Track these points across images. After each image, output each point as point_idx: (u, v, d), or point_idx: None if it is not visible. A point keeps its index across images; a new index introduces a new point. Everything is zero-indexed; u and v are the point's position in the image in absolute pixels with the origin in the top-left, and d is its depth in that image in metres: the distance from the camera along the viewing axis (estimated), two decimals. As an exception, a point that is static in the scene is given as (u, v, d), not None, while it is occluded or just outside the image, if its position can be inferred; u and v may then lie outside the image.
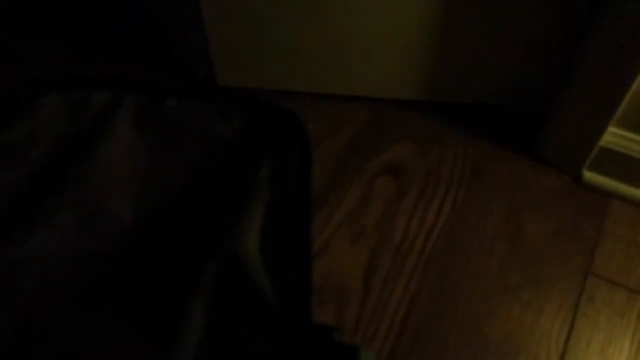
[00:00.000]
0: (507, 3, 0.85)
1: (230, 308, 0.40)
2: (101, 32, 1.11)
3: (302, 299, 0.44)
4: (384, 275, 0.82)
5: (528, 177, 0.93)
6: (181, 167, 0.39)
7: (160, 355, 0.37)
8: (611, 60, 0.76)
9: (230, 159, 0.41)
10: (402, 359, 0.74)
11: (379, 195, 0.90)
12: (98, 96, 0.37)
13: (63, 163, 0.37)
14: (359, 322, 0.77)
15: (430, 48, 0.93)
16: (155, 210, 0.38)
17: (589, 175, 0.91)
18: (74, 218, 0.36)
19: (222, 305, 0.39)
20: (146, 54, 1.04)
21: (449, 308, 0.79)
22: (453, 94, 1.02)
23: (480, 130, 1.00)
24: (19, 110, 0.37)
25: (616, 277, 0.83)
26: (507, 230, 0.87)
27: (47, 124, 0.36)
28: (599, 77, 0.78)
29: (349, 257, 0.83)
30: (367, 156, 0.95)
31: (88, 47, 1.04)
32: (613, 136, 0.85)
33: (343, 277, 0.81)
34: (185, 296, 0.38)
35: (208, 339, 0.38)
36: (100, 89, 0.38)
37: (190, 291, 0.38)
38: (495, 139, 0.99)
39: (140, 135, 0.37)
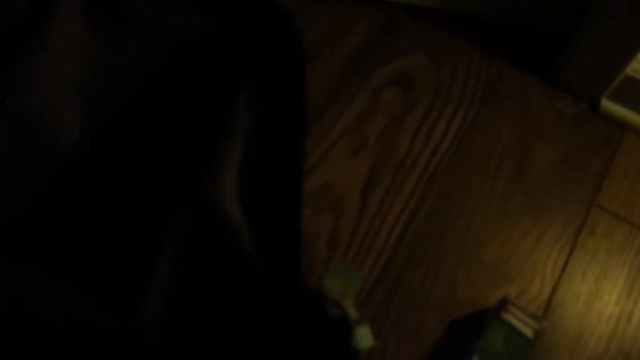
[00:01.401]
0: None
1: (203, 266, 0.33)
2: None
3: (290, 261, 0.36)
4: (384, 191, 0.78)
5: (542, 101, 0.89)
6: (140, 75, 0.29)
7: (121, 322, 0.30)
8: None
9: (203, 70, 0.30)
10: (395, 275, 0.72)
11: (384, 108, 0.85)
12: None
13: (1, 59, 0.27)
14: (354, 235, 0.74)
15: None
16: (108, 130, 0.29)
17: (607, 104, 0.86)
18: (6, 140, 0.28)
19: (192, 263, 0.32)
20: None
21: (448, 228, 0.77)
22: (472, 5, 0.94)
23: (497, 48, 0.94)
24: None
25: (620, 210, 0.81)
26: (515, 155, 0.84)
27: None
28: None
29: (349, 169, 0.79)
30: (375, 65, 0.89)
31: None
32: (640, 64, 0.80)
33: (341, 188, 0.78)
34: (148, 251, 0.30)
35: (176, 302, 0.31)
36: None
37: (154, 244, 0.31)
38: (512, 59, 0.93)
39: (89, 30, 0.27)
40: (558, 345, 0.71)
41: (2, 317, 0.29)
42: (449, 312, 0.71)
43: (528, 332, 0.65)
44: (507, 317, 0.65)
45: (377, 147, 0.82)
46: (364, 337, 0.51)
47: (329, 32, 0.90)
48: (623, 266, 0.77)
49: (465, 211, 0.78)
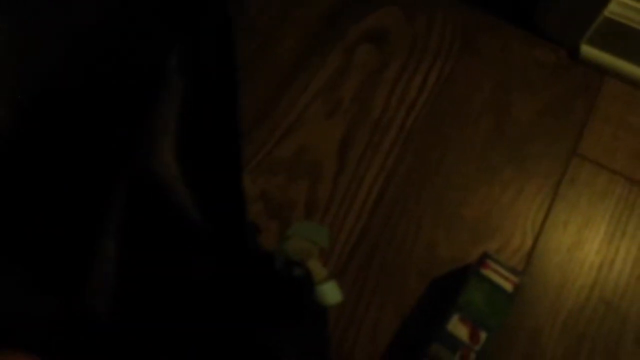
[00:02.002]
0: None
1: (147, 239, 0.32)
2: None
3: (235, 218, 0.35)
4: (360, 151, 0.77)
5: (522, 50, 0.86)
6: (66, 43, 0.28)
7: (69, 307, 0.29)
8: None
9: (128, 34, 0.29)
10: (374, 237, 0.72)
11: (358, 66, 0.83)
12: None
13: None
14: (332, 199, 0.73)
15: None
16: (37, 105, 0.27)
17: (586, 50, 0.84)
18: None
19: (136, 236, 0.31)
20: None
21: (426, 187, 0.76)
22: (447, -47, 0.90)
23: (474, -4, 0.90)
24: None
25: (601, 158, 0.80)
26: (494, 107, 0.82)
27: None
28: None
29: (324, 132, 0.78)
30: (347, 23, 0.86)
31: None
32: (619, 6, 0.77)
33: (317, 152, 0.76)
34: (88, 229, 0.29)
35: (124, 279, 0.30)
36: None
37: (94, 222, 0.29)
38: (490, 8, 0.90)
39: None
40: (540, 297, 0.71)
41: None
42: (430, 271, 0.70)
43: (508, 287, 0.65)
44: (487, 272, 0.65)
45: (353, 107, 0.80)
46: (329, 292, 0.51)
47: (297, -11, 0.87)
48: (604, 214, 0.76)
49: (444, 168, 0.77)
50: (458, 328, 0.62)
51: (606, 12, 0.77)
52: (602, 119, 0.82)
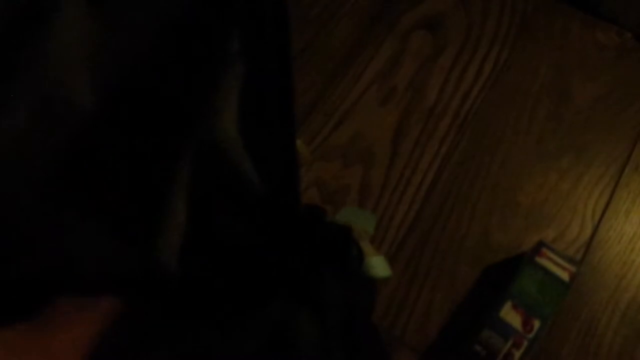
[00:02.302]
0: None
1: (213, 199, 0.36)
2: None
3: (289, 182, 0.40)
4: (415, 139, 0.77)
5: (583, 33, 0.84)
6: (143, 41, 0.34)
7: (144, 257, 0.33)
8: None
9: (195, 28, 0.35)
10: (427, 223, 0.72)
11: (413, 53, 0.83)
12: None
13: (10, 46, 0.31)
14: (386, 185, 0.74)
15: None
16: (117, 93, 0.33)
17: (653, 32, 0.80)
18: (28, 106, 0.31)
19: (203, 197, 0.35)
20: None
21: (481, 173, 0.75)
22: None
23: (533, -21, 0.88)
24: None
25: (668, 145, 0.77)
26: (553, 93, 0.80)
27: None
28: None
29: (378, 119, 0.78)
30: (402, 9, 0.86)
31: None
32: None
33: (371, 139, 0.77)
34: (162, 189, 0.34)
35: (192, 235, 0.34)
36: None
37: (167, 183, 0.34)
38: (550, -11, 0.87)
39: (92, 16, 0.32)
40: (598, 288, 0.70)
41: (43, 262, 0.33)
42: (483, 257, 0.70)
43: (564, 276, 0.64)
44: (542, 261, 0.65)
45: (407, 94, 0.80)
46: (378, 265, 0.52)
47: (352, -23, 0.87)
48: (670, 204, 0.74)
49: (499, 155, 0.76)
50: (510, 315, 0.62)
51: (675, -8, 0.74)
52: (670, 104, 0.79)
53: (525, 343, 0.60)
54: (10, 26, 0.32)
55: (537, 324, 0.61)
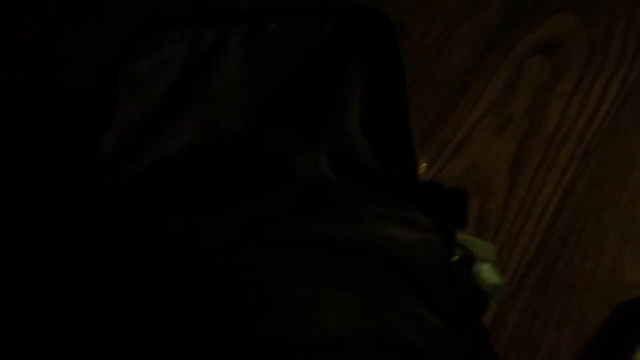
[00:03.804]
0: None
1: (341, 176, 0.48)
2: None
3: (406, 168, 0.51)
4: (534, 168, 0.75)
5: None
6: (282, 79, 0.49)
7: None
8: None
9: (323, 65, 0.50)
10: (550, 258, 0.69)
11: (529, 79, 0.81)
12: (209, 31, 0.48)
13: (185, 90, 0.48)
14: (504, 218, 0.73)
15: None
16: (262, 121, 0.49)
17: None
18: (193, 128, 0.48)
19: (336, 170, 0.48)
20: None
21: (608, 204, 0.71)
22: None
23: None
24: (146, 47, 0.48)
25: None
26: (690, 116, 0.74)
27: (170, 58, 0.47)
28: None
29: (494, 149, 0.77)
30: (517, 35, 0.84)
31: None
32: None
33: (487, 169, 0.76)
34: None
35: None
36: (209, 25, 0.49)
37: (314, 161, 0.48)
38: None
39: (244, 60, 0.48)
40: None
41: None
42: (614, 295, 0.66)
43: None
44: (684, 301, 0.60)
45: (524, 122, 0.78)
46: (488, 272, 0.52)
47: (463, 7, 0.87)
48: None
49: (630, 184, 0.72)
50: (648, 360, 0.57)
51: None
52: None
53: (667, 392, 0.56)
54: (189, 69, 0.47)
55: (679, 371, 0.56)
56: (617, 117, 0.76)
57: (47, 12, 0.80)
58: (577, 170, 0.74)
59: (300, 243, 0.39)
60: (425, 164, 0.74)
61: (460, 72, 0.83)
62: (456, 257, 0.49)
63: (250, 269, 0.38)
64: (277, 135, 0.46)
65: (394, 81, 0.49)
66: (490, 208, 0.73)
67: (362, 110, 0.48)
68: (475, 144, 0.78)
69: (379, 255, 0.41)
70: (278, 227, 0.40)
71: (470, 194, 0.74)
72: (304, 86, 0.48)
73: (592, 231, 0.70)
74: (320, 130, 0.47)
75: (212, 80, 0.48)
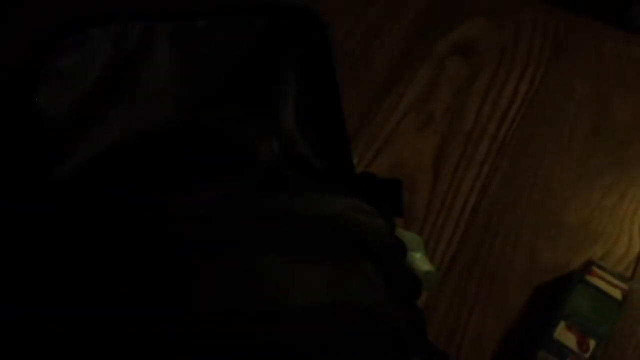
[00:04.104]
0: None
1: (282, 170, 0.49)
2: None
3: (342, 160, 0.53)
4: (455, 163, 0.79)
5: (618, 49, 0.84)
6: (214, 75, 0.50)
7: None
8: None
9: (256, 61, 0.51)
10: (473, 247, 0.73)
11: (448, 78, 0.85)
12: (134, 27, 0.48)
13: (111, 85, 0.48)
14: (429, 211, 0.76)
15: None
16: (197, 112, 0.49)
17: (690, 45, 0.81)
18: (123, 122, 0.48)
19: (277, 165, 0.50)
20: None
21: (524, 195, 0.76)
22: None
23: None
24: (68, 43, 0.47)
25: None
26: (591, 111, 0.81)
27: (94, 54, 0.47)
28: None
29: (418, 145, 0.80)
30: (435, 36, 0.88)
31: None
32: None
33: (412, 165, 0.79)
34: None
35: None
36: (134, 21, 0.49)
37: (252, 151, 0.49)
38: (582, 8, 0.88)
39: (174, 56, 0.49)
40: (651, 304, 0.69)
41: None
42: (532, 279, 0.71)
43: (616, 294, 0.64)
44: (593, 279, 0.65)
45: (445, 119, 0.82)
46: (420, 261, 0.55)
47: (385, 9, 0.90)
48: None
49: (541, 175, 0.77)
50: (565, 335, 0.62)
51: None
52: None
53: (582, 363, 0.60)
54: (114, 65, 0.47)
55: (592, 343, 0.61)
56: (528, 113, 0.81)
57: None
58: (493, 164, 0.78)
59: (268, 215, 0.40)
60: (354, 161, 0.76)
61: (383, 72, 0.86)
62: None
63: (222, 241, 0.37)
64: (230, 123, 0.47)
65: (326, 77, 0.50)
66: (416, 201, 0.76)
67: (297, 107, 0.48)
68: (400, 141, 0.80)
69: (340, 229, 0.41)
70: (245, 202, 0.40)
71: (397, 188, 0.77)
72: (240, 81, 0.48)
73: (510, 220, 0.75)
74: (267, 122, 0.48)
75: (139, 75, 0.47)
